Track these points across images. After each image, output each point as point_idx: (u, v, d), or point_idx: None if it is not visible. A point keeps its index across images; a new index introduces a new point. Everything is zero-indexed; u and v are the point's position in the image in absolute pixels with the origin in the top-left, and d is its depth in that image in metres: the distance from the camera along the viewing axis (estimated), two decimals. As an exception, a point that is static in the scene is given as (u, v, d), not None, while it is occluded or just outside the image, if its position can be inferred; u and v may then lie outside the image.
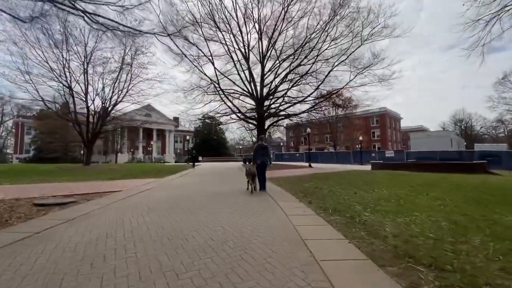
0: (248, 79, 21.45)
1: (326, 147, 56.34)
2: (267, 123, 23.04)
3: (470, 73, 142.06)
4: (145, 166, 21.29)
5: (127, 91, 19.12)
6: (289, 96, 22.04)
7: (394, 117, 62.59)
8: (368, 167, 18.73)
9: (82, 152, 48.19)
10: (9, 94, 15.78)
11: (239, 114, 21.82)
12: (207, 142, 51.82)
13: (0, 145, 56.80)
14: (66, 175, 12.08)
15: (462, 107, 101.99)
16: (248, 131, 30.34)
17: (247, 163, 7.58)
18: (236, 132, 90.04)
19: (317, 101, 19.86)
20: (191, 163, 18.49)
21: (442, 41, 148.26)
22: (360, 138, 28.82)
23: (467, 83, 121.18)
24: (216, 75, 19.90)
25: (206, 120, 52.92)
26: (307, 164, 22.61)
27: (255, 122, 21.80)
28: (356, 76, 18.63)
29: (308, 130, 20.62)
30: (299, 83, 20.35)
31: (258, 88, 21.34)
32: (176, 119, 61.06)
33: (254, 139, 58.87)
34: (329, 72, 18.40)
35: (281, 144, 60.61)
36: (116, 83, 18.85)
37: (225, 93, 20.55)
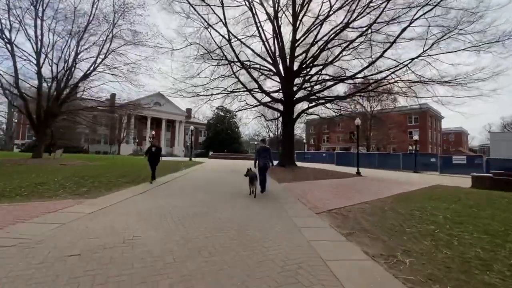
0: (272, 49, 15.27)
1: (353, 147, 49.15)
2: (296, 111, 16.69)
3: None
4: (119, 163, 15.62)
5: (105, 56, 13.64)
6: (327, 74, 15.65)
7: (435, 116, 54.07)
8: (429, 176, 15.14)
9: (85, 140, 44.62)
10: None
11: (259, 96, 15.68)
12: (219, 135, 46.39)
13: (10, 132, 54.87)
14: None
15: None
16: (267, 122, 24.17)
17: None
18: (251, 124, 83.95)
19: (379, 77, 13.10)
20: (151, 169, 7.89)
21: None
22: (415, 137, 21.84)
23: (498, 85, 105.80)
24: (229, 36, 13.87)
25: (220, 113, 47.68)
26: (342, 168, 16.35)
27: (280, 108, 15.65)
28: (439, 39, 11.82)
29: (357, 121, 14.16)
30: (348, 50, 13.73)
31: (288, 59, 15.12)
32: (188, 111, 56.29)
33: (271, 134, 52.63)
34: (403, 30, 11.61)
35: (304, 141, 53.73)
36: (86, 42, 13.33)
37: (245, 65, 14.51)
